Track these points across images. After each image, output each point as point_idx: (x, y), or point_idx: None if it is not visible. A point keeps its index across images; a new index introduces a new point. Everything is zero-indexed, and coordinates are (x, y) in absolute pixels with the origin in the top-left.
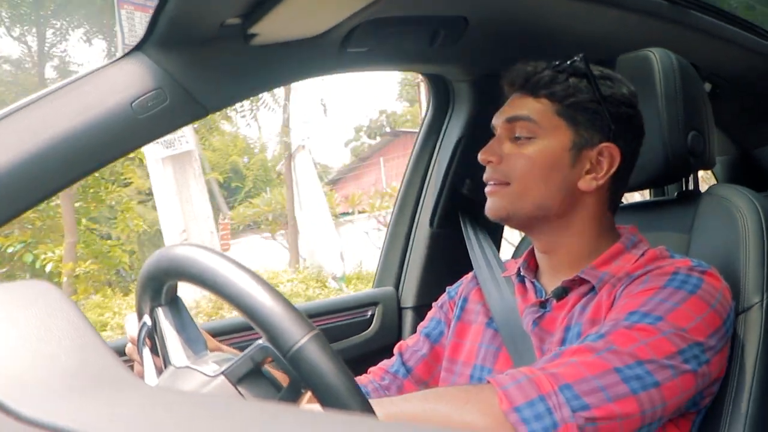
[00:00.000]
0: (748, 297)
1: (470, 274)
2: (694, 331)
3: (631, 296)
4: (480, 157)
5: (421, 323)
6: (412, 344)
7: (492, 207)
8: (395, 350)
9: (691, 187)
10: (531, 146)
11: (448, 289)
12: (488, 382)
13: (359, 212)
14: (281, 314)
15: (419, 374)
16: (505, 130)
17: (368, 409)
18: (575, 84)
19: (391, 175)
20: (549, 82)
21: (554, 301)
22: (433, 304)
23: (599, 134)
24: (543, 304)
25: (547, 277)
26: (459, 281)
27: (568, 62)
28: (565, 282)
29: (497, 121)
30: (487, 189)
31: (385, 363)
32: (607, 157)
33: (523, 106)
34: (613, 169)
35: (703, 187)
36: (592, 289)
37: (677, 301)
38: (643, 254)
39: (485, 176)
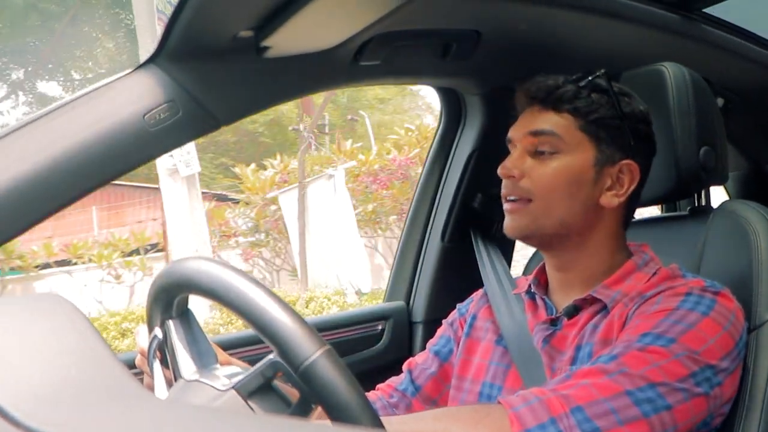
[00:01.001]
0: (760, 313)
1: (480, 291)
2: (706, 353)
3: (644, 317)
4: (500, 171)
5: (431, 340)
6: (421, 362)
7: (513, 225)
8: (404, 367)
9: (703, 202)
10: (555, 162)
11: (458, 306)
12: (499, 402)
13: (82, 262)
14: (293, 329)
15: (428, 393)
16: (526, 144)
17: (379, 427)
18: (597, 100)
19: (103, 224)
20: (572, 98)
21: (565, 320)
22: (444, 321)
23: (620, 151)
24: (554, 322)
25: (559, 294)
26: (469, 298)
27: (590, 77)
28: (577, 300)
29: (517, 134)
30: (506, 206)
31: (393, 380)
32: (627, 173)
33: (546, 121)
34: (633, 186)
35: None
36: (604, 308)
37: (690, 323)
38: (655, 273)
39: (504, 192)
